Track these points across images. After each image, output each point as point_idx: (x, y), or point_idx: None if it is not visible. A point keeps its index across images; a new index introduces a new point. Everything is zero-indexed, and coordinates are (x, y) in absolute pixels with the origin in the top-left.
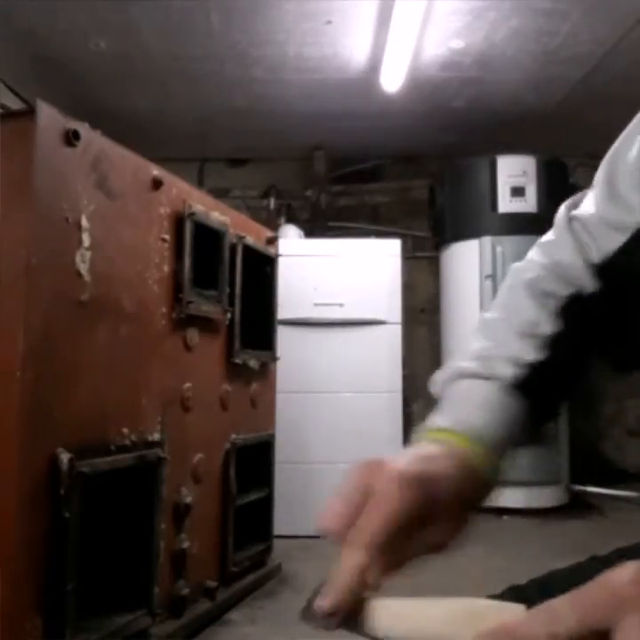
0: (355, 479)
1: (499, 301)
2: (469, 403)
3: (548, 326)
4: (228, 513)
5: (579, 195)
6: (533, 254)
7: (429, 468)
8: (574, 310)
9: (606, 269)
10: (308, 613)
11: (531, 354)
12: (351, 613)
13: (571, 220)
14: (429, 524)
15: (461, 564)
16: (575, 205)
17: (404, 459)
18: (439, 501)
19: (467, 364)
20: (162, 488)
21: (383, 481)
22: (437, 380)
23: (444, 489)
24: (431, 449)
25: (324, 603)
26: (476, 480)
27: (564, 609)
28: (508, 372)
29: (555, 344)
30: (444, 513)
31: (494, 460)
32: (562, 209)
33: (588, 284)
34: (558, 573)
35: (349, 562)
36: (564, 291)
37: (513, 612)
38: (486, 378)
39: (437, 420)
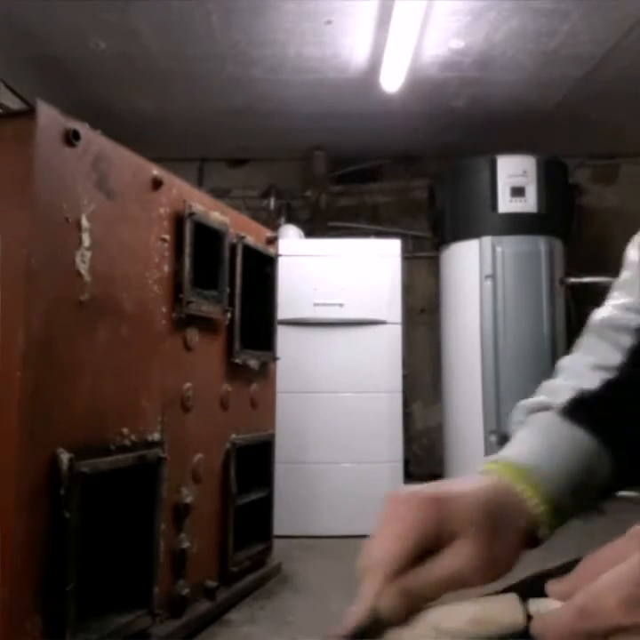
0: (383, 514)
1: (578, 344)
2: (528, 433)
3: (619, 357)
4: (228, 513)
5: None
6: (609, 297)
7: (449, 490)
8: None
9: None
10: None
11: (598, 382)
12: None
13: None
14: (454, 548)
15: None
16: None
17: (427, 485)
18: (460, 523)
19: (535, 399)
20: (162, 488)
21: (398, 506)
22: (512, 419)
23: (465, 509)
24: (468, 477)
25: (339, 630)
26: (519, 510)
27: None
28: (575, 397)
29: (625, 367)
30: (470, 538)
31: (548, 492)
32: (633, 251)
33: None
34: (552, 572)
35: (365, 591)
36: (637, 321)
37: (510, 606)
38: (552, 407)
39: (497, 454)
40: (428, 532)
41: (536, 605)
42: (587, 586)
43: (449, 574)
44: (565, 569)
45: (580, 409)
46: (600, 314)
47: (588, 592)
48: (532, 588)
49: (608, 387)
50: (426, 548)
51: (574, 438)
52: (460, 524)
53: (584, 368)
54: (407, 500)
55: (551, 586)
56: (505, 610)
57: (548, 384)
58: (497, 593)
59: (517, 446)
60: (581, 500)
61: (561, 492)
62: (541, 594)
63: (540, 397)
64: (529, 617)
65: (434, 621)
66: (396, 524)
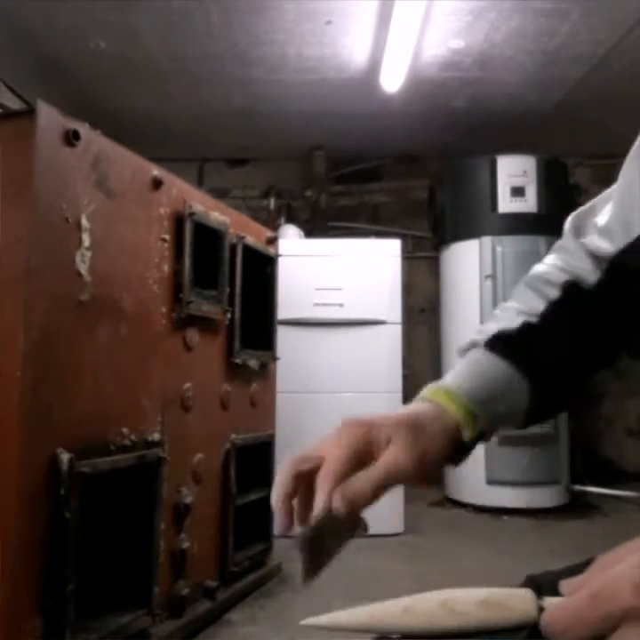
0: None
1: (513, 292)
2: (457, 365)
3: (542, 305)
4: (227, 513)
5: (587, 208)
6: (549, 255)
7: (377, 414)
8: (570, 292)
9: (612, 266)
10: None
11: (527, 320)
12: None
13: (582, 228)
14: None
15: (461, 563)
16: (580, 220)
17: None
18: (386, 431)
19: (471, 337)
20: (162, 488)
21: (336, 430)
22: (455, 352)
23: (389, 422)
24: (410, 405)
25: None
26: (441, 416)
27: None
28: (503, 331)
29: (546, 314)
30: (397, 439)
31: (464, 401)
32: (570, 219)
33: (590, 275)
34: (563, 571)
35: (317, 492)
36: (568, 279)
37: (523, 596)
38: (485, 342)
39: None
40: (360, 441)
41: (549, 602)
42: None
43: (385, 468)
44: (575, 570)
45: (498, 342)
46: (534, 270)
47: (603, 577)
48: (545, 587)
49: (524, 326)
50: (361, 459)
51: (490, 363)
52: (387, 432)
53: (509, 312)
54: (343, 424)
55: (565, 583)
56: (517, 598)
57: (478, 327)
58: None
59: (447, 376)
60: (498, 413)
61: (476, 401)
62: (555, 592)
63: (469, 337)
64: (541, 610)
65: (443, 600)
66: (334, 439)
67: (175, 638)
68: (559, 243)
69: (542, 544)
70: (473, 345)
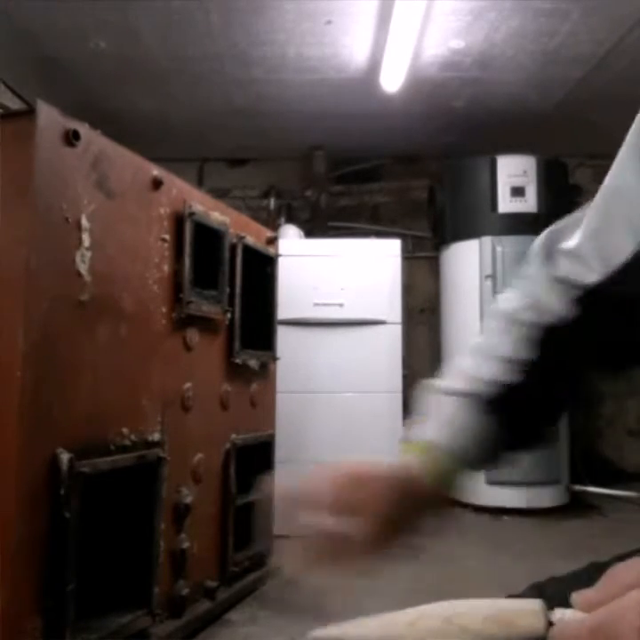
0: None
1: (485, 327)
2: (439, 418)
3: (522, 353)
4: (227, 513)
5: (560, 226)
6: (516, 286)
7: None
8: (549, 340)
9: (589, 297)
10: None
11: (506, 376)
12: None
13: (552, 252)
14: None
15: (461, 564)
16: (556, 237)
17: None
18: (367, 495)
19: (448, 382)
20: (162, 488)
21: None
22: (429, 392)
23: (374, 485)
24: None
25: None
26: (418, 488)
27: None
28: (483, 390)
29: (528, 370)
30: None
31: (446, 471)
32: (541, 240)
33: (565, 313)
34: (557, 580)
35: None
36: (539, 320)
37: (531, 610)
38: (464, 395)
39: (411, 433)
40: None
41: (560, 615)
42: (609, 603)
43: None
44: (579, 575)
45: (492, 404)
46: (506, 303)
47: (607, 611)
48: (552, 596)
49: (517, 386)
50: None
51: (480, 424)
52: (367, 496)
53: (491, 360)
54: (335, 466)
55: (576, 596)
56: (525, 613)
57: (460, 368)
58: (519, 596)
59: (433, 428)
60: (470, 465)
61: (456, 460)
62: (563, 601)
63: (451, 382)
64: (551, 624)
65: (446, 614)
66: (326, 477)
67: (175, 638)
68: (526, 271)
69: (542, 544)
70: (457, 392)
